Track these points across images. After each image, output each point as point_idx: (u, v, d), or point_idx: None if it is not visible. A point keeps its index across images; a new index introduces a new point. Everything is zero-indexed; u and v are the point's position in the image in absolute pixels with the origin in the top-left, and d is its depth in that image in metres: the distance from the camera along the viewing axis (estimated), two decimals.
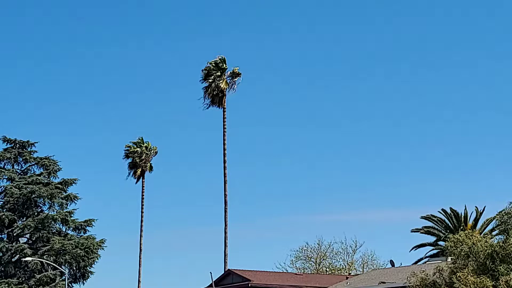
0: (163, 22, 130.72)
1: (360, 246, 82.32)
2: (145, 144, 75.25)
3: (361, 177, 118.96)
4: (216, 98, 72.14)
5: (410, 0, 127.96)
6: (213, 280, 60.71)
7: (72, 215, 70.01)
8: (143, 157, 74.54)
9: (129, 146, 75.37)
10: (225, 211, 69.49)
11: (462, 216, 70.46)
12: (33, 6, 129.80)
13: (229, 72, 72.50)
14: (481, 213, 70.64)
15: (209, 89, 72.43)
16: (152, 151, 75.26)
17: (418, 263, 66.40)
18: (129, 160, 75.21)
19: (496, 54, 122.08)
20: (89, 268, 69.18)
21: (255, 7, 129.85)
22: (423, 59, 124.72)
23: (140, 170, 74.62)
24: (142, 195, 73.99)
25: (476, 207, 70.85)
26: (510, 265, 39.44)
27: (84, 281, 69.89)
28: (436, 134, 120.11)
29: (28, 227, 68.02)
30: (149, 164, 75.18)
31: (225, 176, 70.62)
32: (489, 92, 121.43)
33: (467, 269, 39.82)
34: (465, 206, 71.00)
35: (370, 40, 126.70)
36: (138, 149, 74.78)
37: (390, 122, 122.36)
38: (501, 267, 39.36)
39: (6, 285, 64.89)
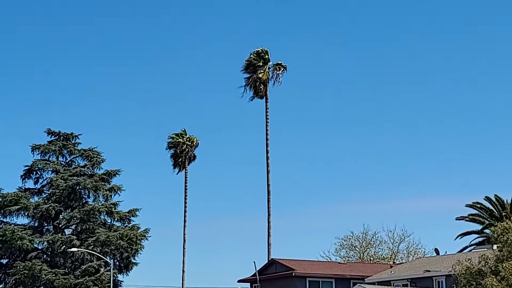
0: (207, 16, 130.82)
1: (408, 236, 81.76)
2: (187, 136, 75.47)
3: (404, 167, 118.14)
4: (258, 88, 71.97)
5: None
6: (257, 269, 60.78)
7: (116, 207, 70.53)
8: (185, 148, 74.77)
9: (172, 137, 75.65)
10: (268, 201, 69.56)
11: (509, 204, 69.59)
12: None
13: (272, 64, 72.31)
14: None
15: (250, 79, 72.39)
16: (194, 142, 75.43)
17: (463, 251, 65.81)
18: (172, 151, 75.51)
19: None
20: (133, 259, 69.67)
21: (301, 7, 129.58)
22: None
23: (182, 160, 74.85)
24: (185, 186, 74.28)
25: None
26: None
27: (128, 272, 70.44)
28: (481, 123, 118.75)
29: (74, 218, 68.73)
30: (192, 154, 75.40)
31: (267, 166, 70.64)
32: None
33: None
34: None
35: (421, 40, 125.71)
36: (180, 140, 75.01)
37: (434, 112, 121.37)
38: None
39: (53, 275, 65.68)
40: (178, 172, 75.13)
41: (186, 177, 74.69)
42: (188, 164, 75.13)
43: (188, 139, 75.19)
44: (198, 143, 75.75)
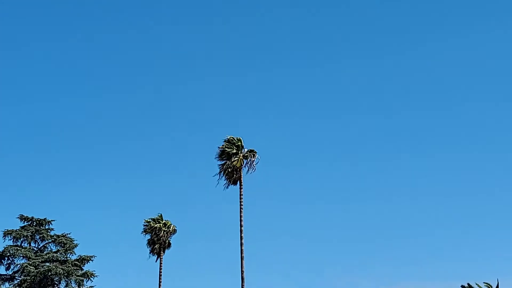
0: (181, 104, 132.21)
1: None
2: (163, 221, 75.07)
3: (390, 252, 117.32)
4: (232, 175, 72.08)
5: None
6: None
7: None
8: (162, 234, 74.27)
9: (148, 222, 75.12)
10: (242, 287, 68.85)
11: None
12: None
13: (245, 150, 72.60)
14: None
15: (225, 166, 72.56)
16: (171, 228, 74.98)
17: None
18: (148, 236, 74.98)
19: None
20: None
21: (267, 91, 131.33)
22: None
23: (158, 248, 74.26)
24: (160, 272, 73.53)
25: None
26: None
27: None
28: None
29: None
30: (167, 241, 74.84)
31: (241, 253, 70.02)
32: None
33: None
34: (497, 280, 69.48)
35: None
36: (157, 225, 74.56)
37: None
38: None
39: None
40: (156, 260, 74.57)
41: (161, 264, 74.08)
42: (164, 252, 74.58)
43: (164, 225, 74.73)
44: (175, 229, 75.25)
